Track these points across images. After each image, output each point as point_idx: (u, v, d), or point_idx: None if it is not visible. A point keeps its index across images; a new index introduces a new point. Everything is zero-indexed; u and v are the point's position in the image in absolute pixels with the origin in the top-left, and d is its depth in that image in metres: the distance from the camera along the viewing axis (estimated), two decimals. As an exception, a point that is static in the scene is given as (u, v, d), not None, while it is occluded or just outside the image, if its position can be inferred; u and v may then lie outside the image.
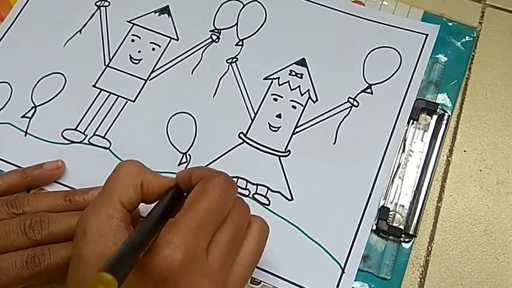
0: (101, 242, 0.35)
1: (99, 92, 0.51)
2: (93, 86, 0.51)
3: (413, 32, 0.52)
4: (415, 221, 0.45)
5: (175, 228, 0.34)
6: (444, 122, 0.48)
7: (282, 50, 0.52)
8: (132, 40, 0.53)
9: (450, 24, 0.53)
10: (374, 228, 0.45)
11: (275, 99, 0.50)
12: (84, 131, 0.49)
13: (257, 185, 0.47)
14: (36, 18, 0.55)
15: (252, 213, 0.43)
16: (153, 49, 0.53)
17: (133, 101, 0.51)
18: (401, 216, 0.46)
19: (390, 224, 0.45)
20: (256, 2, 0.54)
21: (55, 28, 0.54)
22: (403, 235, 0.45)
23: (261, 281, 0.44)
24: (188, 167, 0.48)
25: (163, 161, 0.48)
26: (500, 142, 0.49)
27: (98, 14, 0.55)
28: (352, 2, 0.54)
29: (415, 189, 0.46)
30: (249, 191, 0.47)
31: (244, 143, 0.49)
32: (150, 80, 0.51)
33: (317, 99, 0.50)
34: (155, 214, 0.37)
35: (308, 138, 0.48)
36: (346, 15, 0.53)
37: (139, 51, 0.53)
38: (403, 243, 0.45)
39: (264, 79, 0.51)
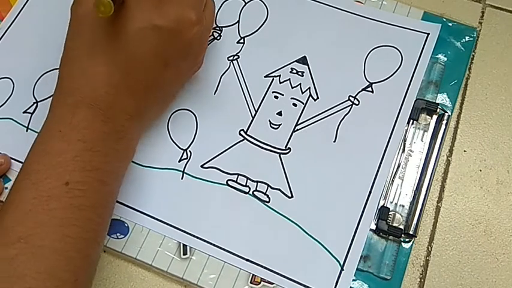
0: None
1: (100, 88, 0.48)
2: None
3: (415, 31, 0.49)
4: (415, 221, 0.43)
5: None
6: (444, 122, 0.46)
7: (283, 47, 0.50)
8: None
9: (450, 24, 0.50)
10: (374, 228, 0.43)
11: (276, 97, 0.48)
12: (85, 127, 0.46)
13: (257, 182, 0.45)
14: (36, 17, 0.52)
15: (251, 210, 0.44)
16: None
17: (135, 98, 0.48)
18: (401, 216, 0.43)
19: (390, 224, 0.43)
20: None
21: (55, 27, 0.50)
22: (403, 235, 0.43)
23: (261, 281, 0.42)
24: (188, 163, 0.45)
25: (164, 157, 0.46)
26: (500, 142, 0.46)
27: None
28: (354, 1, 0.51)
29: (415, 189, 0.44)
30: (249, 188, 0.45)
31: (245, 140, 0.46)
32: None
33: (318, 97, 0.47)
34: None
35: (308, 136, 0.46)
36: (348, 13, 0.51)
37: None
38: (403, 243, 0.43)
39: (265, 77, 0.48)
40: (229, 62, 0.49)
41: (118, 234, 0.43)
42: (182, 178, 0.45)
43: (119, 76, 0.38)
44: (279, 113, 0.47)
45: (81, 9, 0.39)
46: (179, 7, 0.38)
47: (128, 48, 0.38)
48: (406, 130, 0.46)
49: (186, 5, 0.39)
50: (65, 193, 0.36)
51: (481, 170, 0.45)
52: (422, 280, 0.42)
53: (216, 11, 0.51)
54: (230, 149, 0.46)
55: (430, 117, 0.46)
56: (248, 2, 0.52)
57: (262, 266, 0.42)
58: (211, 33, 0.50)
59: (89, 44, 0.39)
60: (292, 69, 0.48)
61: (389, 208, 0.43)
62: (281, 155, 0.45)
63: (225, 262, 0.42)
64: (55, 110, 0.39)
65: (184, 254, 0.42)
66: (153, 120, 0.46)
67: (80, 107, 0.38)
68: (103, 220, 0.39)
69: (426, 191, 0.43)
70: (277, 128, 0.46)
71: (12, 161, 0.46)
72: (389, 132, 0.45)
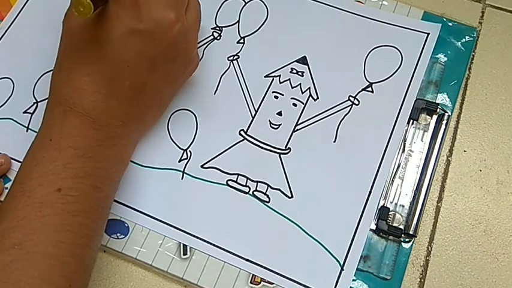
0: None
1: (101, 88, 0.48)
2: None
3: (415, 31, 0.49)
4: (415, 221, 0.43)
5: None
6: (444, 122, 0.46)
7: (283, 47, 0.49)
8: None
9: (450, 24, 0.50)
10: (374, 228, 0.43)
11: (276, 97, 0.47)
12: (85, 127, 0.46)
13: (257, 182, 0.45)
14: (36, 17, 0.52)
15: (251, 210, 0.44)
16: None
17: (135, 98, 0.47)
18: (401, 216, 0.43)
19: (390, 224, 0.43)
20: (257, -1, 0.52)
21: (54, 27, 0.50)
22: (403, 235, 0.42)
23: (261, 281, 0.41)
24: (189, 163, 0.45)
25: (164, 157, 0.46)
26: (500, 142, 0.46)
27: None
28: (354, 1, 0.51)
29: (415, 189, 0.44)
30: (249, 188, 0.44)
31: (245, 140, 0.46)
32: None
33: (318, 97, 0.47)
34: None
35: (308, 136, 0.46)
36: (348, 13, 0.50)
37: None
38: (403, 243, 0.43)
39: (265, 77, 0.48)
40: (229, 62, 0.49)
41: (118, 234, 0.43)
42: (182, 178, 0.45)
43: (105, 84, 0.38)
44: (279, 113, 0.47)
45: (72, 22, 0.39)
46: (156, 8, 0.38)
47: (111, 56, 0.38)
48: (406, 130, 0.45)
49: (164, 5, 0.38)
50: (58, 199, 0.36)
51: (481, 170, 0.45)
52: (422, 280, 0.42)
53: (215, 13, 0.51)
54: (230, 149, 0.45)
55: (430, 117, 0.46)
56: (248, 2, 0.51)
57: (262, 266, 0.42)
58: (210, 34, 0.50)
59: (77, 55, 0.39)
60: (292, 69, 0.48)
61: (389, 208, 0.43)
62: (281, 155, 0.45)
63: (225, 262, 0.42)
64: (46, 120, 0.39)
65: (184, 254, 0.42)
66: (150, 125, 0.45)
67: (69, 116, 0.38)
68: (97, 225, 0.39)
69: (426, 191, 0.43)
70: (277, 128, 0.46)
71: (12, 161, 0.46)
72: (389, 132, 0.45)
